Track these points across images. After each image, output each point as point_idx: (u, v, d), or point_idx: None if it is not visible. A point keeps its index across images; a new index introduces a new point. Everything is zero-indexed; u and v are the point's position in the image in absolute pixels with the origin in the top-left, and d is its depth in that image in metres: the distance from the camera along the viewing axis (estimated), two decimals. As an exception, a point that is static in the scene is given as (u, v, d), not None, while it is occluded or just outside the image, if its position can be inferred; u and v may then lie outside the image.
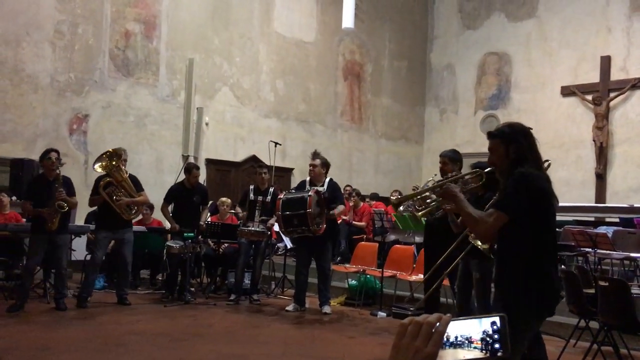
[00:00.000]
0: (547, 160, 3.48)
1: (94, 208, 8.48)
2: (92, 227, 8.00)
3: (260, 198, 7.56)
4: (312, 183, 7.07)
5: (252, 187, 7.76)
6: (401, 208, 5.09)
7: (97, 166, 6.94)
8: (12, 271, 7.65)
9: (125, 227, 7.02)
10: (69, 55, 9.85)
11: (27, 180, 8.09)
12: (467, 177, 3.38)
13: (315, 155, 7.16)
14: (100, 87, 10.21)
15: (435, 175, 5.44)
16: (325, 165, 7.13)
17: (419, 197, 3.37)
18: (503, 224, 2.82)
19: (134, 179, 7.16)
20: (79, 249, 8.11)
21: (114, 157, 6.89)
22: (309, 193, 6.66)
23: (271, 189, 7.70)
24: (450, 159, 5.35)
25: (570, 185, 12.05)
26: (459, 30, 15.15)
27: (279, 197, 6.84)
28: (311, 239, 6.80)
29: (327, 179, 7.10)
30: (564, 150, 12.56)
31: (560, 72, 13.23)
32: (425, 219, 5.40)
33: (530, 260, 2.81)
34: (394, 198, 3.54)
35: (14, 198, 7.90)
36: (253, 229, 7.34)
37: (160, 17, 10.92)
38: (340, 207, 7.09)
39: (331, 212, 6.89)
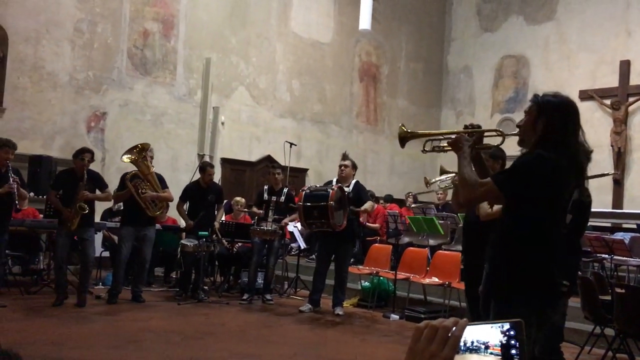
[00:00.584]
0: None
1: (109, 205, 8.59)
2: (109, 224, 8.08)
3: (274, 198, 7.60)
4: (340, 183, 7.09)
5: (266, 187, 7.80)
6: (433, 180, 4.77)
7: (125, 157, 7.06)
8: (29, 266, 7.74)
9: (148, 224, 7.08)
10: (87, 53, 9.95)
11: (44, 176, 8.20)
12: (486, 132, 2.98)
13: (346, 156, 7.22)
14: (118, 86, 10.30)
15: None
16: (354, 167, 7.23)
17: (428, 138, 3.11)
18: (500, 204, 2.64)
19: (159, 177, 7.24)
20: (95, 245, 8.17)
21: (143, 152, 6.99)
22: (332, 188, 6.76)
23: (285, 189, 7.74)
24: (492, 156, 5.24)
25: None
26: (477, 33, 15.08)
27: (302, 189, 6.90)
28: (333, 241, 6.81)
29: (354, 181, 7.13)
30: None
31: (578, 75, 13.10)
32: (464, 221, 5.34)
33: (527, 249, 2.56)
34: (401, 130, 3.17)
35: (31, 194, 7.99)
36: (266, 228, 7.37)
37: (179, 16, 10.99)
38: (369, 203, 7.16)
39: (362, 207, 6.99)
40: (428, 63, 15.38)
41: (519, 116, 13.87)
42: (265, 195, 7.66)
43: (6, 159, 6.23)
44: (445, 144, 2.94)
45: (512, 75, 14.38)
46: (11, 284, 7.11)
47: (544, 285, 2.60)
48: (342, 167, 7.10)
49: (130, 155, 6.99)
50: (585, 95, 12.80)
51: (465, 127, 2.93)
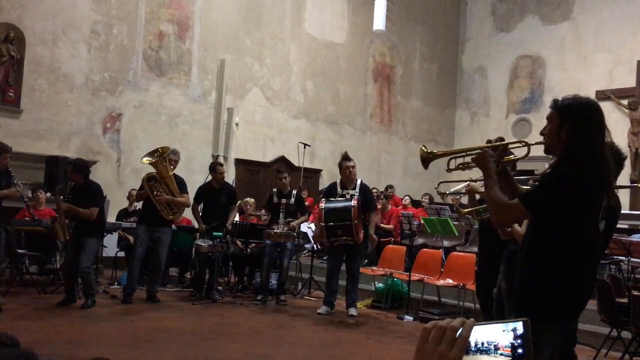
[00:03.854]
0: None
1: (125, 205, 8.67)
2: (124, 224, 8.15)
3: (284, 200, 7.63)
4: (343, 185, 7.05)
5: (275, 190, 7.84)
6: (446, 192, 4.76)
7: (145, 159, 7.15)
8: (46, 266, 7.83)
9: (163, 226, 7.12)
10: (103, 55, 10.04)
11: (61, 176, 8.28)
12: (510, 146, 2.90)
13: (348, 157, 7.08)
14: (134, 87, 10.38)
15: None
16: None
17: (452, 157, 3.03)
18: (528, 219, 2.57)
19: (180, 181, 7.28)
20: (111, 245, 8.26)
21: (163, 154, 7.06)
22: (352, 203, 6.63)
23: (294, 192, 7.76)
24: None
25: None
26: (492, 33, 14.99)
27: (320, 206, 6.81)
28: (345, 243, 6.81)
29: (359, 181, 7.11)
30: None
31: (595, 76, 12.98)
32: (479, 223, 5.34)
33: (556, 262, 2.51)
34: (422, 151, 3.08)
35: (48, 194, 8.09)
36: (279, 231, 7.39)
37: (193, 18, 11.06)
38: (372, 215, 7.13)
39: (373, 221, 7.11)
40: (442, 63, 15.33)
41: (534, 117, 13.80)
42: (275, 198, 7.70)
43: (3, 164, 6.36)
44: (470, 160, 2.85)
45: (527, 75, 14.27)
46: (28, 283, 7.19)
47: (578, 298, 2.56)
48: (351, 168, 7.00)
49: (149, 158, 7.08)
50: (602, 96, 12.66)
51: (488, 141, 2.85)
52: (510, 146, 2.87)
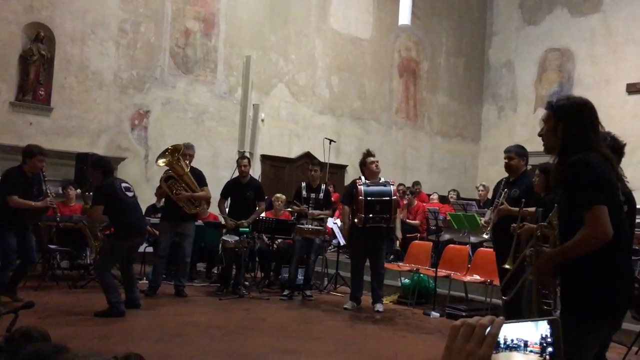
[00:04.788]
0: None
1: (154, 201, 8.78)
2: (152, 220, 8.25)
3: (313, 195, 7.62)
4: (368, 180, 7.04)
5: (303, 184, 7.82)
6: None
7: (160, 161, 7.22)
8: (77, 261, 7.98)
9: (186, 220, 7.20)
10: (131, 53, 10.17)
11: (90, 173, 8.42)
12: (539, 233, 3.01)
13: (371, 153, 7.12)
14: (161, 84, 10.50)
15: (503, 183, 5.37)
16: None
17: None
18: (569, 218, 2.60)
19: (199, 174, 7.34)
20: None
21: (175, 153, 7.11)
22: (391, 186, 6.81)
23: (323, 186, 7.74)
24: (517, 154, 5.25)
25: (635, 186, 11.55)
26: (519, 26, 14.77)
27: (357, 184, 6.83)
28: (367, 236, 6.79)
29: (383, 179, 7.10)
30: (629, 149, 11.84)
31: (625, 68, 12.70)
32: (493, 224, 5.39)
33: (598, 257, 2.50)
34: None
35: (79, 191, 8.23)
36: (310, 226, 7.40)
37: (219, 14, 11.13)
38: (400, 212, 7.20)
39: (398, 219, 7.30)
40: (469, 58, 15.16)
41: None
42: (304, 193, 7.69)
43: (39, 167, 6.30)
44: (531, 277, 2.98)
45: (556, 69, 14.03)
46: (59, 278, 7.34)
47: (622, 295, 2.61)
48: (376, 163, 7.04)
49: (164, 159, 7.15)
50: (633, 89, 12.41)
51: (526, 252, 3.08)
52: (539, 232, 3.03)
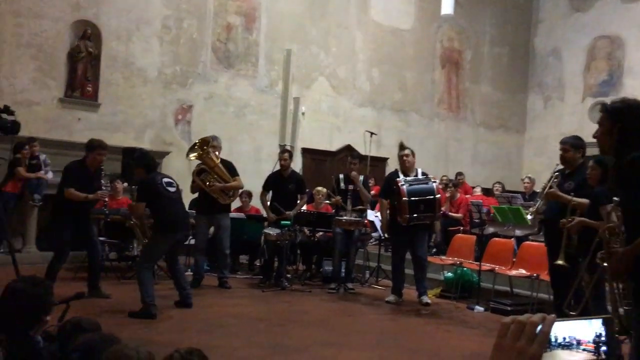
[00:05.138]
0: None
1: (196, 195, 8.90)
2: (195, 213, 8.37)
3: (351, 187, 7.59)
4: (404, 174, 6.99)
5: (341, 176, 7.81)
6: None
7: (191, 155, 7.36)
8: (124, 253, 8.19)
9: (221, 212, 7.32)
10: (174, 49, 10.34)
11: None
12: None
13: (404, 146, 7.12)
14: (203, 79, 10.64)
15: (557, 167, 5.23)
16: (414, 155, 7.13)
17: None
18: (634, 217, 2.62)
19: (229, 165, 7.45)
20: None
21: (204, 145, 7.23)
22: (432, 183, 6.73)
23: (361, 177, 7.69)
24: (572, 146, 5.06)
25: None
26: (567, 13, 14.34)
27: (400, 183, 6.73)
28: (408, 229, 6.74)
29: (419, 170, 7.03)
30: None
31: (680, 55, 12.20)
32: (545, 219, 5.26)
33: None
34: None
35: (125, 184, 8.44)
36: (349, 218, 7.39)
37: (260, 9, 11.19)
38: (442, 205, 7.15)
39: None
40: (514, 47, 14.82)
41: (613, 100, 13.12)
42: (342, 185, 7.68)
43: (99, 161, 6.32)
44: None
45: (605, 57, 13.58)
46: (108, 269, 7.53)
47: None
48: (405, 157, 6.97)
49: (194, 153, 7.27)
50: (688, 76, 11.92)
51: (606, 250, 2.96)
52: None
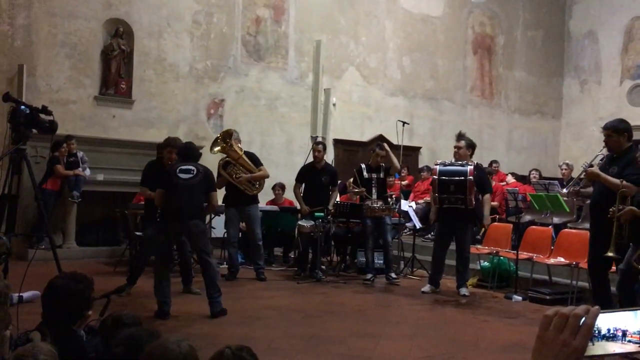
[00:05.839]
0: None
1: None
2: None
3: (374, 175, 7.56)
4: None
5: (363, 165, 7.78)
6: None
7: (215, 149, 7.41)
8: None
9: (249, 204, 7.39)
10: (205, 43, 10.41)
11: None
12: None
13: (460, 136, 6.93)
14: (234, 73, 10.70)
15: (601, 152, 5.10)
16: (471, 146, 6.88)
17: None
18: None
19: (252, 156, 7.53)
20: (219, 227, 8.61)
21: (226, 138, 7.30)
22: (469, 167, 6.55)
23: (383, 165, 7.65)
24: (615, 130, 4.88)
25: None
26: (602, -6, 13.95)
27: (435, 164, 6.78)
28: (454, 220, 6.67)
29: (476, 162, 6.92)
30: None
31: None
32: (591, 203, 5.10)
33: None
34: None
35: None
36: (376, 205, 7.37)
37: (288, 1, 11.17)
38: (487, 197, 6.96)
39: (488, 204, 6.96)
40: (548, 30, 14.49)
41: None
42: (365, 174, 7.64)
43: (171, 158, 6.19)
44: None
45: (644, 37, 13.17)
46: (147, 263, 7.65)
47: None
48: (456, 149, 6.83)
49: (218, 147, 7.33)
50: None
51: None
52: None
